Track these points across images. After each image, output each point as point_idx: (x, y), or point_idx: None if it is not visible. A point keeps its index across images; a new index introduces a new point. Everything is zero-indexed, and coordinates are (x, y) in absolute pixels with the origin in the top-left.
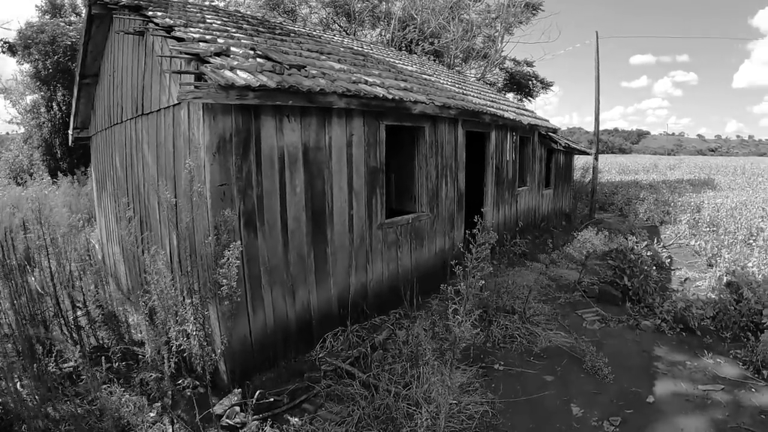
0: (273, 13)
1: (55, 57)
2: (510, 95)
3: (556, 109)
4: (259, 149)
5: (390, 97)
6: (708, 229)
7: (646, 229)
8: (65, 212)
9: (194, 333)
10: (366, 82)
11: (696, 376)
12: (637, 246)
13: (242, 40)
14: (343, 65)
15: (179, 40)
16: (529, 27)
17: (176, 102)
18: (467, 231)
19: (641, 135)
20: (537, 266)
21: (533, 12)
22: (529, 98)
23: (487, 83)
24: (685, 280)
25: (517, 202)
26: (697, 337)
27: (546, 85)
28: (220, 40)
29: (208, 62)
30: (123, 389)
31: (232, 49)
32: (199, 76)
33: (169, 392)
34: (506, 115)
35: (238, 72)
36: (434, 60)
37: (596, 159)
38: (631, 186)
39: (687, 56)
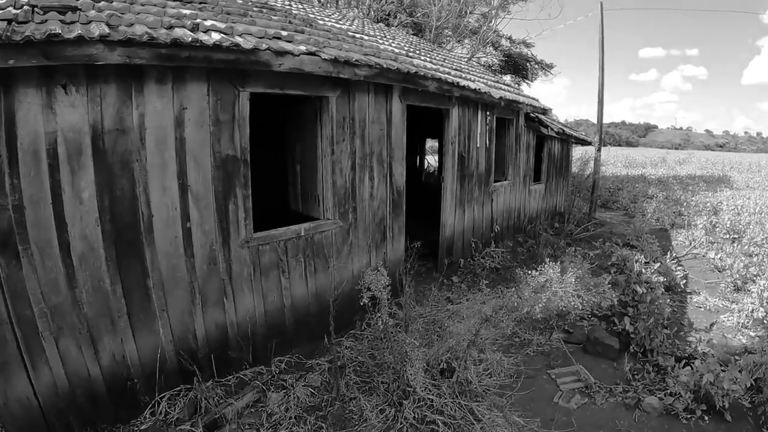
0: None
1: None
2: (507, 77)
3: (564, 101)
4: (13, 139)
5: (213, 43)
6: (728, 236)
7: (654, 234)
8: None
9: None
10: (195, 27)
11: None
12: (646, 269)
13: None
14: (193, 11)
15: None
16: (527, 2)
17: None
18: (415, 244)
19: (649, 128)
20: (514, 287)
21: None
22: (527, 82)
23: (481, 66)
24: (712, 324)
25: (493, 200)
26: (726, 424)
27: (545, 68)
28: None
29: None
30: None
31: None
32: None
33: None
34: (468, 84)
35: None
36: (415, 35)
37: (599, 149)
38: (638, 181)
39: (697, 50)
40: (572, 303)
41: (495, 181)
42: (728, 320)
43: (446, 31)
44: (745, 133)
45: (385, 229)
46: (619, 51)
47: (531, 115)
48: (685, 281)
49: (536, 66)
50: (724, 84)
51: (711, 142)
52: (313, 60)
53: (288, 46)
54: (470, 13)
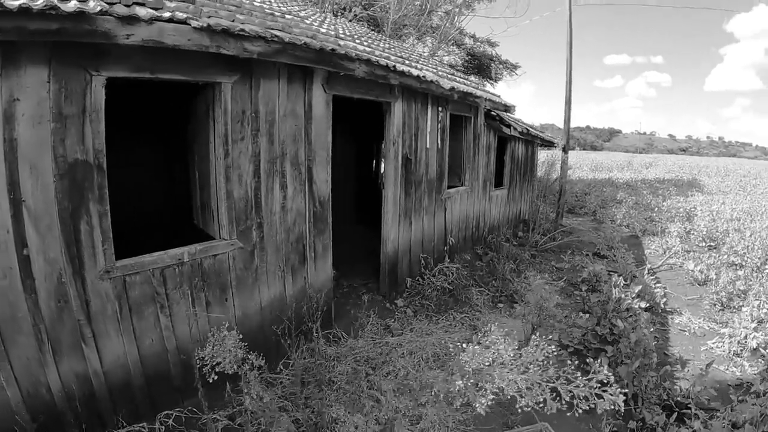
0: None
1: None
2: (472, 78)
3: (529, 104)
4: None
5: (19, 6)
6: (704, 244)
7: (626, 242)
8: None
9: None
10: None
11: None
12: (626, 293)
13: None
14: None
15: None
16: (492, 1)
17: None
18: (353, 263)
19: (613, 133)
20: (467, 313)
21: None
22: (491, 82)
23: (445, 65)
24: (708, 366)
25: (447, 209)
26: None
27: (510, 68)
28: None
29: None
30: None
31: None
32: None
33: None
34: (410, 70)
35: None
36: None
37: (566, 151)
38: (605, 185)
39: (661, 57)
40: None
41: (449, 187)
42: (717, 347)
43: (407, 28)
44: (708, 137)
45: (305, 248)
46: (585, 58)
47: (492, 113)
48: (665, 299)
49: (500, 66)
50: (687, 91)
51: (674, 146)
52: (179, 30)
53: (140, 11)
54: (432, 12)
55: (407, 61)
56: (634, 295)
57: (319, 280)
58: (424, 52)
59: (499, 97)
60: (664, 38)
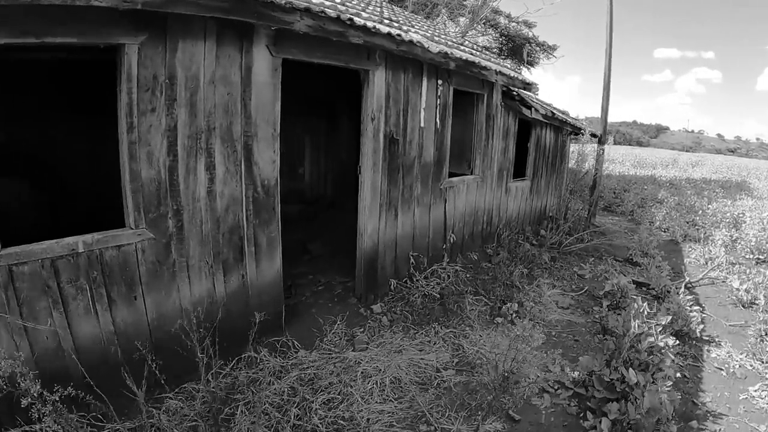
0: None
1: None
2: (507, 62)
3: (577, 98)
4: None
5: None
6: (752, 257)
7: (663, 249)
8: None
9: None
10: None
11: None
12: (648, 325)
13: None
14: None
15: None
16: None
17: None
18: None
19: (660, 130)
20: (463, 327)
21: None
22: (527, 66)
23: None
24: None
25: (448, 200)
26: None
27: (548, 49)
28: None
29: None
30: None
31: None
32: None
33: None
34: (378, 28)
35: None
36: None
37: (601, 141)
38: (647, 182)
39: (713, 53)
40: None
41: (452, 175)
42: (761, 397)
43: (437, 9)
44: (757, 139)
45: (242, 242)
46: (634, 50)
47: (512, 92)
48: (702, 326)
49: (537, 48)
50: (737, 89)
51: (722, 146)
52: None
53: None
54: None
55: (395, 23)
56: (661, 328)
57: (264, 279)
58: (454, 32)
59: (515, 71)
60: (716, 33)
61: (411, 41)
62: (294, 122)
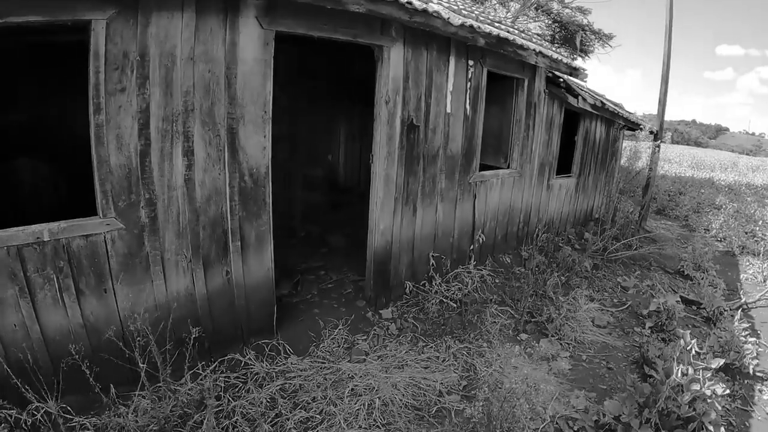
0: None
1: None
2: (561, 50)
3: (637, 93)
4: None
5: None
6: None
7: (718, 261)
8: None
9: None
10: None
11: None
12: (695, 368)
13: None
14: None
15: None
16: None
17: None
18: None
19: (720, 131)
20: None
21: None
22: (581, 55)
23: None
24: None
25: (477, 196)
26: None
27: (603, 38)
28: None
29: None
30: None
31: None
32: None
33: None
34: None
35: None
36: None
37: (657, 138)
38: (704, 185)
39: None
40: None
41: (483, 168)
42: None
43: None
44: None
45: (226, 235)
46: (695, 48)
47: (559, 78)
48: (756, 362)
49: (592, 36)
50: None
51: None
52: None
53: None
54: None
55: None
56: (711, 372)
57: (252, 277)
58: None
59: (559, 53)
60: None
61: (426, 11)
62: (324, 106)
